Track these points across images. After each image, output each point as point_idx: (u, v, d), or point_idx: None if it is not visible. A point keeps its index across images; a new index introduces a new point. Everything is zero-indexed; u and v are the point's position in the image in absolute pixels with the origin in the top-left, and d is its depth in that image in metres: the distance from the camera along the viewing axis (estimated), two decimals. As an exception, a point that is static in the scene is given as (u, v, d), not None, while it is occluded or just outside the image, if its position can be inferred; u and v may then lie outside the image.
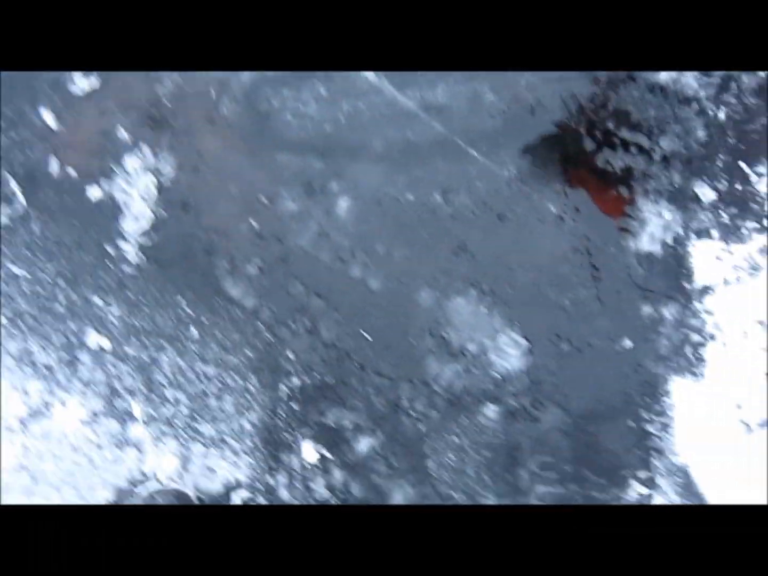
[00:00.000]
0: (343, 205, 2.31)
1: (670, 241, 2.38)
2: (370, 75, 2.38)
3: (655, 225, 2.39)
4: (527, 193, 2.37)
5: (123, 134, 2.24)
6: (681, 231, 2.39)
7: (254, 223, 2.27)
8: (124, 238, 2.21)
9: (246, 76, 2.30)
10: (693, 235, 2.39)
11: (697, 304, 2.34)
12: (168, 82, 2.26)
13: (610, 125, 2.42)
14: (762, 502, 2.17)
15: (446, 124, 2.38)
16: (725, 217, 2.39)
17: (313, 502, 2.19)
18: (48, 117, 2.22)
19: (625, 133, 2.43)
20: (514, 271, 2.30)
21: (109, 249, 2.20)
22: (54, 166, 2.21)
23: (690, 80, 2.45)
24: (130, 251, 2.21)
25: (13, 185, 2.18)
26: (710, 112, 2.43)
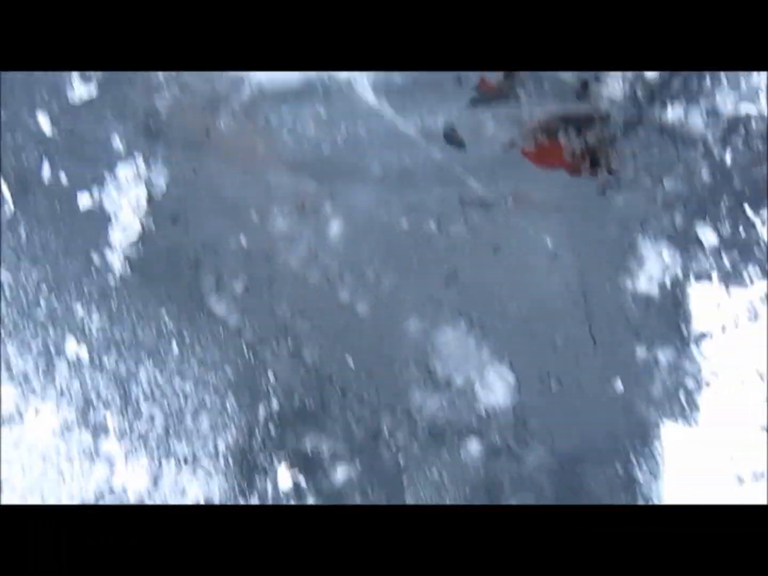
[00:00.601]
0: (334, 227, 2.31)
1: (668, 282, 2.36)
2: (370, 98, 2.39)
3: (653, 265, 2.38)
4: (523, 226, 2.37)
5: (117, 143, 2.25)
6: (680, 273, 2.37)
7: (243, 240, 2.27)
8: (110, 248, 2.21)
9: (246, 94, 2.31)
10: (693, 278, 2.38)
11: (693, 349, 2.31)
12: (167, 94, 2.28)
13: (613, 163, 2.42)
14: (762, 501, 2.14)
15: (445, 151, 2.38)
16: (726, 262, 2.37)
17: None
18: (44, 122, 2.24)
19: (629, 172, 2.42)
20: (506, 305, 2.28)
21: (95, 258, 2.20)
22: (46, 172, 2.23)
23: (697, 121, 2.46)
24: (116, 262, 2.21)
25: (4, 189, 2.19)
26: (716, 155, 2.43)
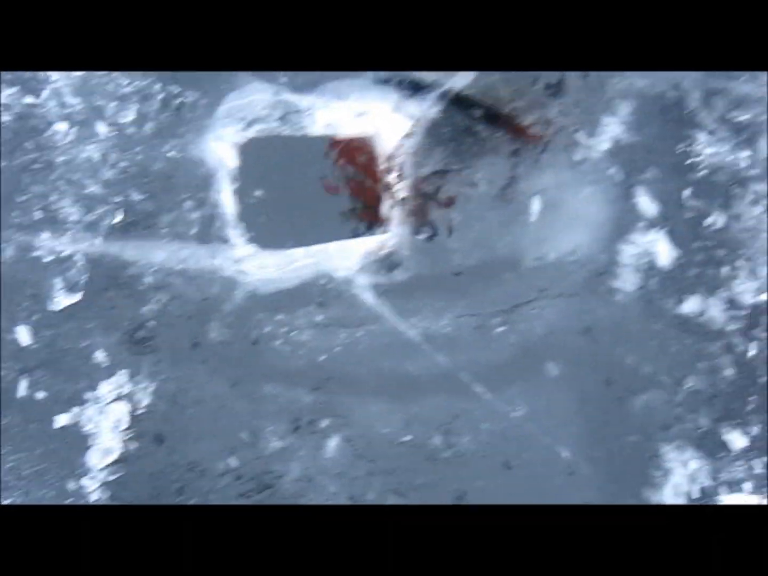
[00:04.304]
0: (332, 444, 2.33)
1: (697, 493, 2.36)
2: (370, 300, 2.46)
3: (679, 475, 2.38)
4: (536, 437, 2.38)
5: (100, 357, 2.30)
6: (710, 482, 2.37)
7: (233, 462, 2.28)
8: (87, 473, 2.21)
9: (238, 299, 2.38)
10: (724, 488, 2.37)
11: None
12: (154, 303, 2.35)
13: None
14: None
15: (451, 356, 2.43)
16: (758, 467, 2.38)
17: None
18: (23, 334, 2.29)
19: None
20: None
21: (71, 485, 2.20)
22: (22, 388, 2.26)
23: (716, 313, 2.52)
24: (93, 487, 2.21)
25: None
26: (739, 349, 2.47)
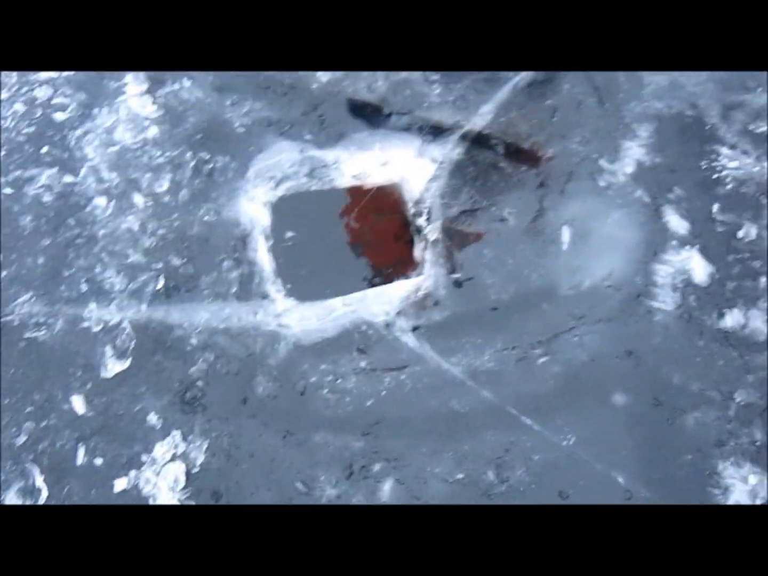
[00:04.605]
0: (386, 488, 2.35)
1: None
2: (411, 341, 2.51)
3: (740, 492, 2.36)
4: (590, 464, 2.38)
5: (153, 419, 2.37)
6: (771, 496, 2.33)
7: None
8: (149, 534, 2.25)
9: (283, 351, 2.44)
10: (788, 499, 2.33)
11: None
12: (201, 363, 2.42)
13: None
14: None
15: (496, 391, 2.46)
16: (821, 478, 2.33)
17: None
18: (78, 403, 2.37)
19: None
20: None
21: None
22: (81, 456, 2.33)
23: (759, 324, 2.52)
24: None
25: (38, 478, 2.29)
26: (785, 357, 2.45)
